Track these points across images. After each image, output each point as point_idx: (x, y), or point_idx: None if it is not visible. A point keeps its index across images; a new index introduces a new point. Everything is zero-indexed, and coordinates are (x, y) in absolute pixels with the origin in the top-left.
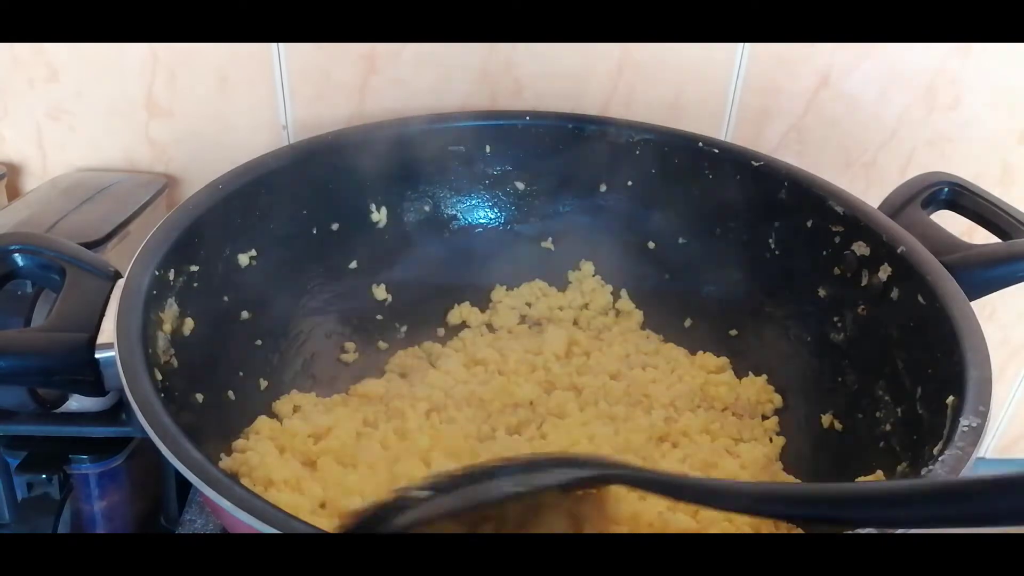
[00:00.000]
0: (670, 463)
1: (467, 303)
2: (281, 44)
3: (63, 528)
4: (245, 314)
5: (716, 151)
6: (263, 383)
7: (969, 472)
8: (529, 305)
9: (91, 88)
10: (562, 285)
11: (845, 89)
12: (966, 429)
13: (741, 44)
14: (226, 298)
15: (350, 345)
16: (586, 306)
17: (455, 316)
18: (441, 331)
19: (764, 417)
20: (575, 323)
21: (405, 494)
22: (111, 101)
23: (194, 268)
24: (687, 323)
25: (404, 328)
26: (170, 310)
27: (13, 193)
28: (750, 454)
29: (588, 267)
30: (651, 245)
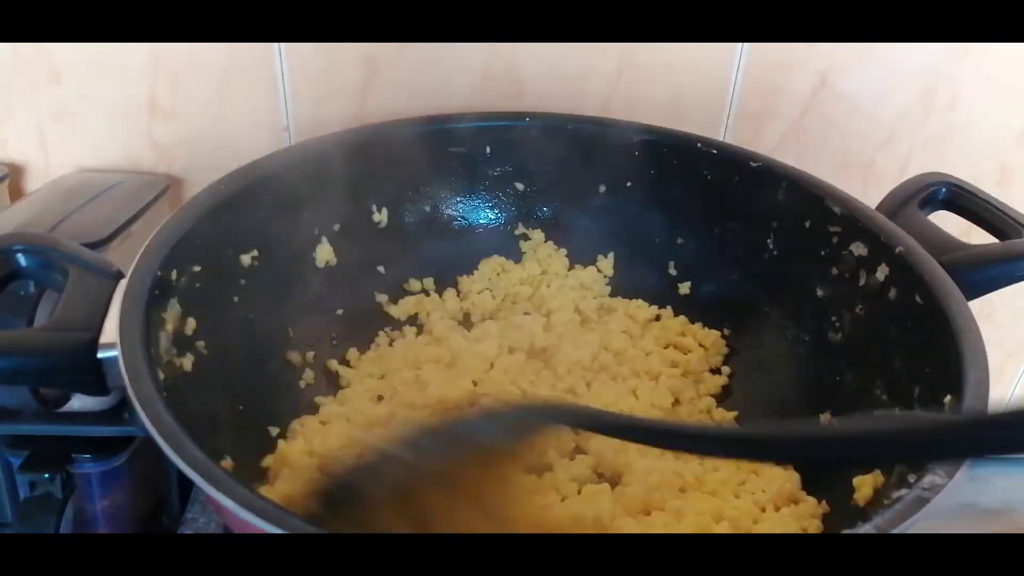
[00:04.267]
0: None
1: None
2: (283, 46)
3: (65, 527)
4: (247, 314)
5: (715, 152)
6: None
7: (963, 473)
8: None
9: (94, 89)
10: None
11: (843, 90)
12: None
13: (740, 45)
14: (228, 298)
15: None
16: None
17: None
18: None
19: None
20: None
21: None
22: (113, 102)
23: (196, 268)
24: None
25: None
26: (172, 310)
27: (16, 194)
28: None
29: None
30: (650, 246)
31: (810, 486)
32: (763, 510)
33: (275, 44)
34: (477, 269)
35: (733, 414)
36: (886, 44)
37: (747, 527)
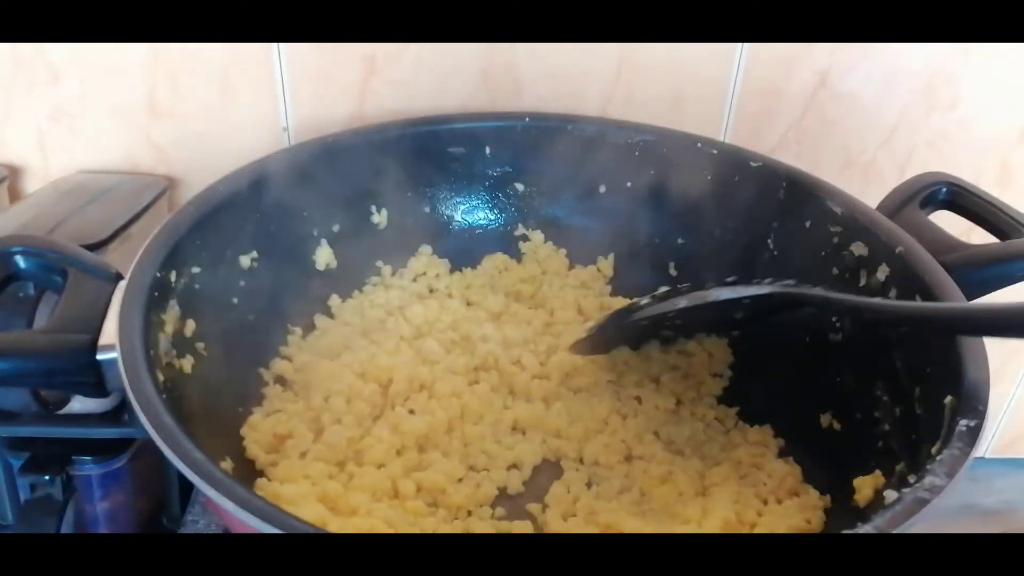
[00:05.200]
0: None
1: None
2: (282, 45)
3: (66, 529)
4: (247, 315)
5: (714, 152)
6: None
7: (965, 473)
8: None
9: (92, 90)
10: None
11: (844, 89)
12: (964, 429)
13: (740, 45)
14: (227, 299)
15: None
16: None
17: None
18: None
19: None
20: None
21: (635, 303)
22: (112, 103)
23: (196, 270)
24: None
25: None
26: (172, 311)
27: (15, 195)
28: (748, 452)
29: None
30: (650, 246)
31: (811, 483)
32: (765, 502)
33: (274, 44)
34: (480, 264)
35: (735, 409)
36: (886, 44)
37: (751, 520)
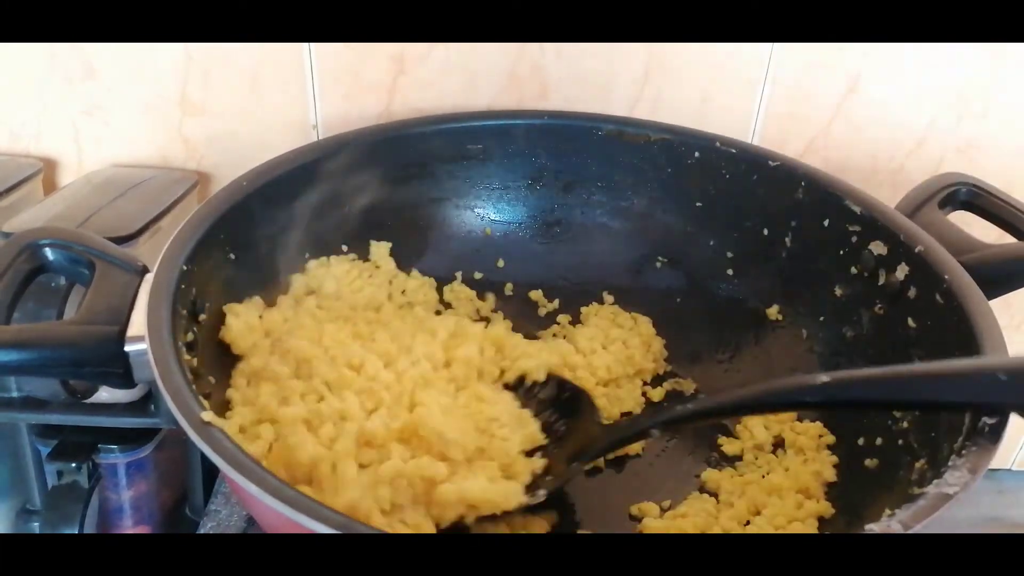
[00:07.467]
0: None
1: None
2: (312, 45)
3: (91, 516)
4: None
5: (733, 151)
6: None
7: (984, 471)
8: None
9: (127, 86)
10: None
11: (874, 95)
12: (986, 427)
13: (770, 48)
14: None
15: None
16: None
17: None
18: None
19: None
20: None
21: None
22: (146, 99)
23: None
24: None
25: None
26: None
27: (49, 188)
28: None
29: None
30: (666, 245)
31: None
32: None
33: (305, 44)
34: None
35: None
36: (919, 50)
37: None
